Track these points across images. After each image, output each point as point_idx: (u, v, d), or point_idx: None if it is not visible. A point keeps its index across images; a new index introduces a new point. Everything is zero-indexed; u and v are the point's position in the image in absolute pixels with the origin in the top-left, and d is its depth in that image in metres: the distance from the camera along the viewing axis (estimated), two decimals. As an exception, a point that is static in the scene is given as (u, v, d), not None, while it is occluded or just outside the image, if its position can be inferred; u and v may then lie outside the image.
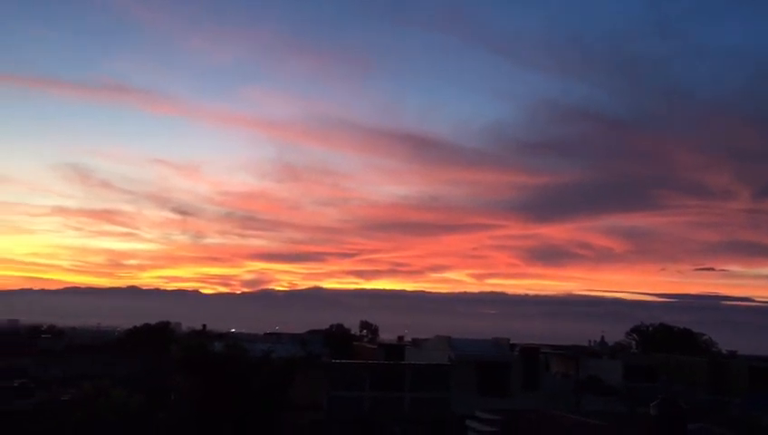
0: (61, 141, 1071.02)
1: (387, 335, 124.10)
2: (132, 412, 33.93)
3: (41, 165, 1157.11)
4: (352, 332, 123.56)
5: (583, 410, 52.15)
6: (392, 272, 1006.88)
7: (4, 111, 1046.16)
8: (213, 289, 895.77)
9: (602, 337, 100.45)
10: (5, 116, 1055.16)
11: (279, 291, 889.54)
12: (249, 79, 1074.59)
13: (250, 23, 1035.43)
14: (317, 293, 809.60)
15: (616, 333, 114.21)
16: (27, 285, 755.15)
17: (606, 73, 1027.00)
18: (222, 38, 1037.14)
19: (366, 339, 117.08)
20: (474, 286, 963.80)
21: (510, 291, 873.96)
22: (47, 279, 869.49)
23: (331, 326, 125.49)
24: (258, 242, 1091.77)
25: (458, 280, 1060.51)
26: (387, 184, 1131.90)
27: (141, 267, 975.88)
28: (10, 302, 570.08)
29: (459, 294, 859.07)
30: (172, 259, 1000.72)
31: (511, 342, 69.23)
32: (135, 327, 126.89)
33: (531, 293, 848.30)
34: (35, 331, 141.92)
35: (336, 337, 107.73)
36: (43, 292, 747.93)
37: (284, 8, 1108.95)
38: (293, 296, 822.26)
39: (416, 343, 78.90)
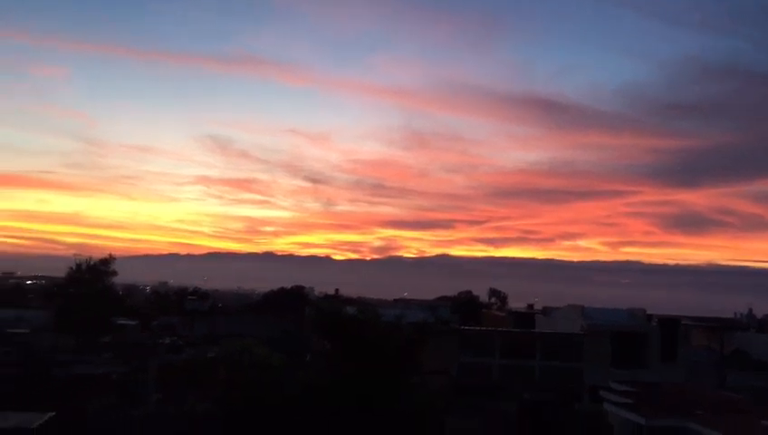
0: (202, 114, 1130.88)
1: (516, 303, 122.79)
2: (275, 369, 35.72)
3: (185, 137, 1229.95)
4: (481, 299, 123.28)
5: (728, 385, 49.53)
6: (521, 239, 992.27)
7: (151, 86, 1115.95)
8: (343, 255, 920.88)
9: (750, 310, 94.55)
10: (152, 91, 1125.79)
11: (407, 258, 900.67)
12: (379, 48, 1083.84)
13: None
14: (445, 260, 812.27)
15: (765, 306, 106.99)
16: (174, 250, 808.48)
17: (755, 26, 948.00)
18: (353, 9, 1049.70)
19: (495, 307, 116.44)
20: (607, 255, 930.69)
21: (646, 260, 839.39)
22: (192, 244, 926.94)
23: (460, 293, 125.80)
24: (387, 209, 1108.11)
25: (590, 248, 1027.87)
26: (516, 150, 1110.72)
27: (276, 234, 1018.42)
28: (159, 265, 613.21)
29: (591, 262, 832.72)
30: (305, 226, 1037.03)
31: (648, 313, 66.63)
32: (272, 291, 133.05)
33: (669, 262, 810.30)
34: (183, 293, 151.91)
35: (465, 304, 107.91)
36: (188, 256, 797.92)
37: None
38: (422, 263, 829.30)
39: (546, 311, 77.63)
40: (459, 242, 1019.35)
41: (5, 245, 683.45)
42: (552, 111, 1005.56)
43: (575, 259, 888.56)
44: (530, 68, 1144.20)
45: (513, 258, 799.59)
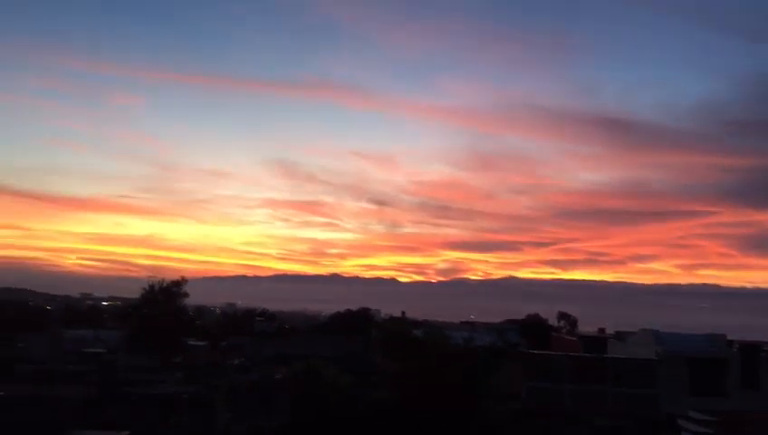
0: (270, 138, 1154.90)
1: (586, 327, 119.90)
2: (342, 391, 35.72)
3: (253, 161, 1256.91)
4: (549, 323, 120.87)
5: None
6: (591, 262, 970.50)
7: (222, 112, 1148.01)
8: (409, 277, 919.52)
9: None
10: (223, 117, 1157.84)
11: (473, 280, 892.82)
12: (443, 70, 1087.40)
13: (444, 15, 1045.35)
14: (512, 282, 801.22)
15: None
16: (242, 272, 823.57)
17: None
18: (417, 32, 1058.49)
19: (564, 330, 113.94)
20: (682, 278, 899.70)
21: (724, 283, 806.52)
22: (259, 266, 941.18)
23: (528, 317, 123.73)
24: (452, 231, 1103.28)
25: (664, 271, 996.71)
26: (584, 170, 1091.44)
27: (342, 256, 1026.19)
28: (228, 287, 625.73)
29: (665, 285, 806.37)
30: (370, 248, 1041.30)
31: (728, 338, 63.76)
32: (338, 312, 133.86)
33: (748, 285, 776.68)
34: (250, 314, 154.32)
35: (533, 328, 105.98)
36: (256, 278, 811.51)
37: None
38: (488, 285, 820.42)
39: (619, 336, 75.27)
40: (526, 264, 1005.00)
41: (84, 267, 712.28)
42: (621, 130, 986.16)
43: (648, 282, 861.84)
44: (598, 86, 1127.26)
45: (583, 281, 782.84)
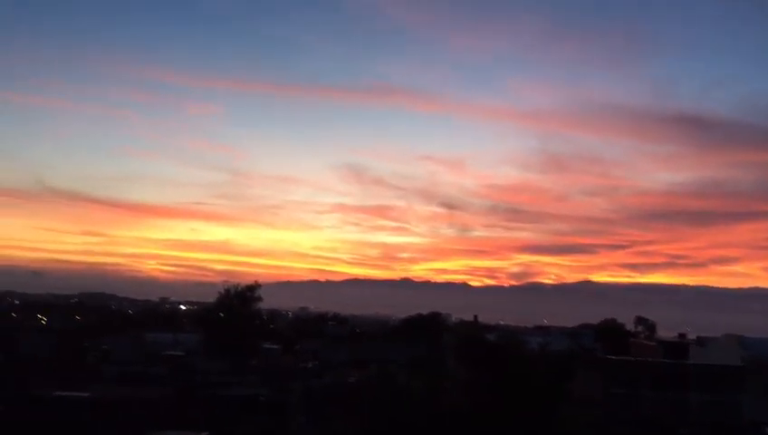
0: (340, 143, 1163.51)
1: (665, 332, 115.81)
2: (415, 396, 35.61)
3: (323, 166, 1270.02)
4: (627, 327, 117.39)
5: None
6: (670, 265, 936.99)
7: (292, 118, 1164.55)
8: (480, 281, 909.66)
9: None
10: (293, 123, 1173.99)
11: (546, 284, 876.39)
12: (513, 71, 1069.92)
13: (510, 15, 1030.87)
14: (586, 286, 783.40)
15: None
16: (314, 277, 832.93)
17: None
18: (483, 34, 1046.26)
19: (642, 336, 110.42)
20: (767, 280, 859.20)
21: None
22: (331, 271, 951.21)
23: (604, 321, 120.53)
24: (524, 234, 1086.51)
25: (749, 274, 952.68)
26: (660, 170, 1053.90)
27: (413, 260, 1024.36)
28: (301, 292, 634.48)
29: (750, 289, 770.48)
30: (440, 252, 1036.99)
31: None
32: (409, 316, 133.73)
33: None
34: (323, 318, 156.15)
35: (609, 333, 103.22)
36: (327, 283, 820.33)
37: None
38: (562, 289, 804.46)
39: (700, 341, 72.56)
40: (601, 267, 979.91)
41: (162, 272, 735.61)
42: (699, 128, 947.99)
43: (731, 285, 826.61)
44: (674, 83, 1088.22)
45: (661, 284, 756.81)
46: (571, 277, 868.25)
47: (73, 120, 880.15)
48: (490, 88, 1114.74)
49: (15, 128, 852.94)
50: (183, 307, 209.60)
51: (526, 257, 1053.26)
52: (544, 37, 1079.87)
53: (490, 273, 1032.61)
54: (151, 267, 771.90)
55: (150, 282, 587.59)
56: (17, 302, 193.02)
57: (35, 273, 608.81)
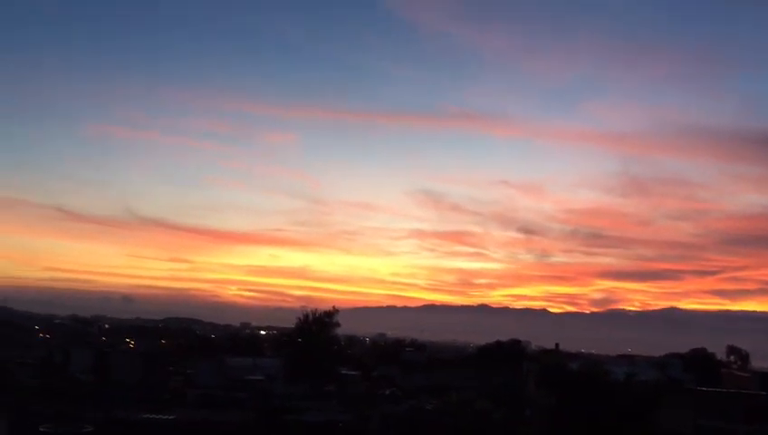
0: (416, 169, 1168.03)
1: (760, 363, 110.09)
2: (495, 424, 34.88)
3: (399, 192, 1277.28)
4: (717, 357, 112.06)
5: None
6: (763, 291, 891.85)
7: (368, 145, 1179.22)
8: (560, 308, 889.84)
9: None
10: (369, 150, 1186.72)
11: (630, 311, 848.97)
12: (590, 94, 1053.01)
13: (587, 37, 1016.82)
14: (672, 313, 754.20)
15: None
16: (391, 303, 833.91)
17: None
18: (560, 56, 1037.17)
19: (735, 366, 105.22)
20: None
21: None
22: (407, 297, 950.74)
23: (692, 351, 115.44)
24: (605, 260, 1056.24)
25: None
26: (751, 193, 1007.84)
27: (490, 286, 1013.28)
28: (378, 317, 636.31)
29: None
30: (519, 278, 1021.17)
31: None
32: (487, 344, 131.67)
33: None
34: (400, 344, 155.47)
35: (699, 362, 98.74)
36: (404, 309, 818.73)
37: (621, 17, 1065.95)
38: (646, 317, 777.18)
39: (800, 372, 68.44)
40: (688, 294, 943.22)
41: (242, 297, 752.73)
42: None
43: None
44: (761, 101, 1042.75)
45: (755, 313, 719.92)
46: (656, 304, 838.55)
47: (160, 151, 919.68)
48: (568, 111, 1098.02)
49: (107, 159, 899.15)
50: (263, 332, 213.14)
51: (608, 283, 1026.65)
52: (623, 58, 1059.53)
53: (570, 299, 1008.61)
54: (233, 293, 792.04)
55: (232, 307, 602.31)
56: (107, 326, 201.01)
57: (125, 298, 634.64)
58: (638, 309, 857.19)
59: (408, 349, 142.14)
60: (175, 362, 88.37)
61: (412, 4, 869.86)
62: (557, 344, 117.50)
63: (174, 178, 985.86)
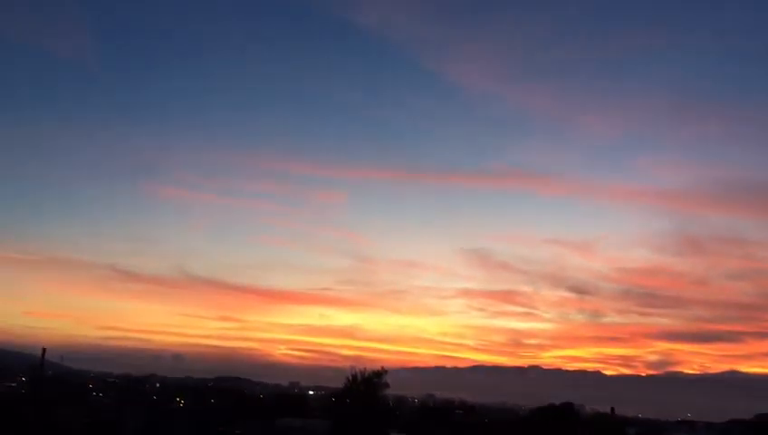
0: (463, 228, 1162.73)
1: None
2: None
3: (447, 251, 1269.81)
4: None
5: None
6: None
7: (415, 203, 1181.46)
8: (615, 370, 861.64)
9: None
10: (418, 209, 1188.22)
11: (688, 374, 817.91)
12: (642, 151, 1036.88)
13: (640, 95, 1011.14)
14: (734, 377, 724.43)
15: None
16: (440, 363, 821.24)
17: None
18: (610, 113, 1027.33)
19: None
20: None
21: None
22: (456, 357, 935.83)
23: (758, 417, 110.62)
24: (661, 320, 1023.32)
25: None
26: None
27: (541, 347, 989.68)
28: (427, 378, 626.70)
29: None
30: (571, 339, 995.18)
31: None
32: (540, 406, 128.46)
33: None
34: (449, 405, 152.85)
35: (765, 429, 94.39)
36: (453, 369, 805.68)
37: (670, 72, 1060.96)
38: (705, 380, 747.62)
39: None
40: (750, 357, 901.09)
41: (291, 357, 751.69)
42: None
43: None
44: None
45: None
46: (716, 367, 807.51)
47: (212, 211, 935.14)
48: (619, 168, 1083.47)
49: (161, 219, 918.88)
50: (311, 392, 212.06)
51: (664, 345, 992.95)
52: (674, 113, 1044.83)
53: (625, 361, 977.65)
54: (281, 352, 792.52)
55: (280, 366, 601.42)
56: (159, 384, 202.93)
57: (177, 356, 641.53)
58: (696, 372, 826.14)
59: (457, 411, 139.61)
60: (224, 421, 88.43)
61: (455, 66, 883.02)
62: (613, 408, 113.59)
63: (224, 237, 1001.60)
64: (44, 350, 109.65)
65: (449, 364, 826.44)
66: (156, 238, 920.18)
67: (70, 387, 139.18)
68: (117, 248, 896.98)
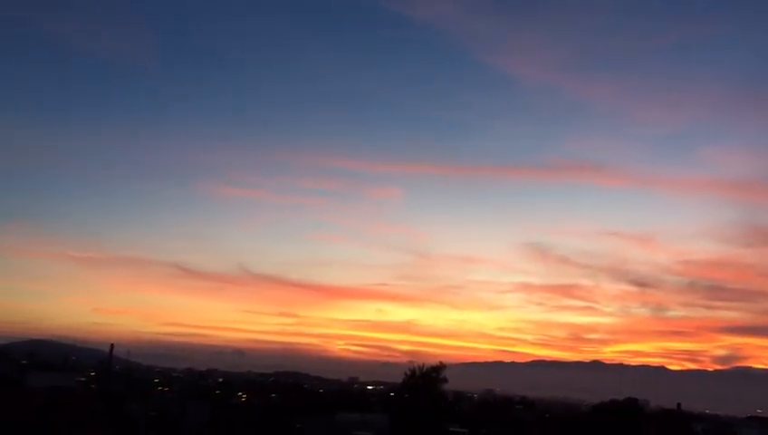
0: (522, 222, 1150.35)
1: None
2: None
3: (505, 245, 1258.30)
4: None
5: None
6: None
7: (473, 198, 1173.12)
8: (680, 365, 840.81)
9: None
10: (474, 203, 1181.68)
11: (759, 369, 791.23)
12: (705, 140, 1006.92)
13: (699, 81, 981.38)
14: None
15: None
16: (499, 358, 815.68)
17: None
18: (670, 102, 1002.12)
19: None
20: None
21: None
22: (515, 352, 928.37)
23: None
24: (728, 314, 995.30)
25: None
26: None
27: (603, 341, 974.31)
28: (485, 373, 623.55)
29: None
30: (633, 333, 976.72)
31: None
32: (602, 402, 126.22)
33: None
34: (509, 401, 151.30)
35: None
36: (512, 364, 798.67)
37: (740, 58, 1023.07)
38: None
39: None
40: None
41: (350, 352, 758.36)
42: None
43: None
44: None
45: None
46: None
47: (271, 209, 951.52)
48: (682, 158, 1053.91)
49: (222, 218, 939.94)
50: (370, 387, 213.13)
51: (732, 339, 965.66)
52: (740, 101, 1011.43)
53: (691, 356, 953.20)
54: (340, 347, 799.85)
55: (339, 361, 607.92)
56: (221, 379, 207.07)
57: (238, 352, 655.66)
58: (767, 367, 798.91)
59: (517, 406, 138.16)
60: (285, 416, 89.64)
61: (510, 58, 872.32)
62: (679, 404, 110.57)
63: (283, 234, 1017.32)
64: (113, 345, 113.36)
65: (507, 359, 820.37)
66: (217, 237, 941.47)
67: (137, 382, 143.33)
68: (180, 247, 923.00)
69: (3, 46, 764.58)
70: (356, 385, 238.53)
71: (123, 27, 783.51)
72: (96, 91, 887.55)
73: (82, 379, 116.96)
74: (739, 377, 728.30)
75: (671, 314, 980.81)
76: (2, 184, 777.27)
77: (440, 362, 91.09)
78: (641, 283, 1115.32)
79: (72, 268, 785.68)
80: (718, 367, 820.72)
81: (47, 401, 62.68)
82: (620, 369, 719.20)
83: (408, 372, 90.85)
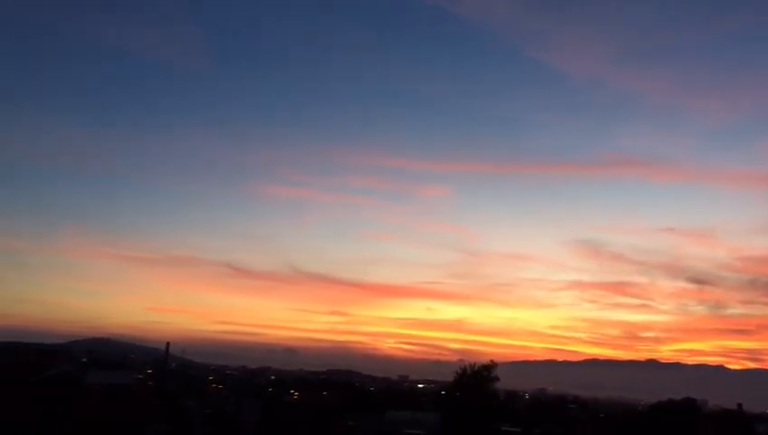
0: (573, 219, 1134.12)
1: None
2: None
3: (557, 242, 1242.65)
4: None
5: None
6: None
7: (523, 196, 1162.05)
8: (740, 365, 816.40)
9: None
10: (525, 201, 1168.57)
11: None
12: (761, 133, 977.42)
13: (759, 74, 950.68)
14: None
15: None
16: (551, 356, 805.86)
17: None
18: (723, 95, 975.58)
19: None
20: None
21: None
22: (568, 350, 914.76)
23: None
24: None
25: None
26: None
27: (658, 340, 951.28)
28: (537, 372, 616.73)
29: None
30: (691, 331, 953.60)
31: None
32: (659, 402, 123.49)
33: None
34: (562, 400, 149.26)
35: None
36: (565, 363, 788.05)
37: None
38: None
39: None
40: None
41: (400, 350, 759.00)
42: None
43: None
44: None
45: None
46: None
47: (321, 208, 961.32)
48: (736, 152, 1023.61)
49: (273, 218, 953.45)
50: (420, 385, 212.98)
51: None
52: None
53: (752, 355, 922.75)
54: (390, 345, 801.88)
55: (389, 359, 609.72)
56: (273, 377, 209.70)
57: (289, 350, 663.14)
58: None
59: (570, 406, 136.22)
60: (337, 414, 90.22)
61: (559, 53, 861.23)
62: (740, 404, 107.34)
63: (334, 233, 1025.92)
64: (168, 344, 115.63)
65: (560, 358, 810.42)
66: (268, 236, 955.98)
67: (191, 379, 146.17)
68: (232, 246, 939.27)
69: (59, 51, 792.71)
70: (406, 383, 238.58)
71: (177, 29, 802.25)
72: (149, 93, 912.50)
73: (140, 376, 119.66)
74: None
75: (730, 311, 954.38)
76: (62, 187, 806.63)
77: (491, 361, 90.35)
78: (699, 280, 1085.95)
79: (128, 268, 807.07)
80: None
81: (105, 398, 64.27)
82: (677, 368, 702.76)
83: (459, 371, 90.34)
